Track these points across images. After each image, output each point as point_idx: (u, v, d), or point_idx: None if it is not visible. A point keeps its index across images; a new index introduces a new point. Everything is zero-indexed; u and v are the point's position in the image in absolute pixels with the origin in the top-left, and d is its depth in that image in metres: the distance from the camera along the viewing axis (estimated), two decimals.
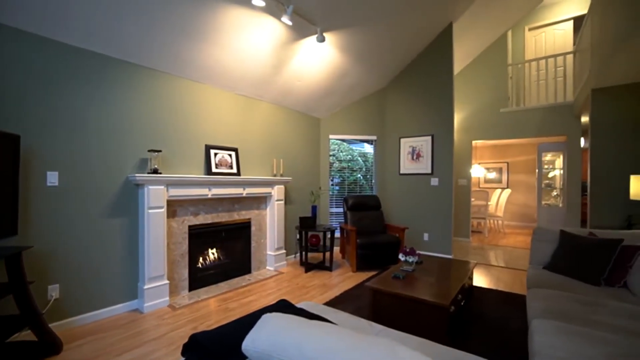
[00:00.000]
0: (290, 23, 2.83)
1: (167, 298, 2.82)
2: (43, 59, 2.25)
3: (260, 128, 4.00)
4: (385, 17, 3.47)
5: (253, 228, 3.82)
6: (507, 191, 7.00)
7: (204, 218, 3.29)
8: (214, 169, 3.33)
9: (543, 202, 6.56)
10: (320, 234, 4.14)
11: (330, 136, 5.04)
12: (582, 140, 4.92)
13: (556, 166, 6.72)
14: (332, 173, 5.13)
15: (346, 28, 3.38)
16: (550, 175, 6.80)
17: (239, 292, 3.18)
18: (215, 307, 2.81)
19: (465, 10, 4.30)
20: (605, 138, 3.63)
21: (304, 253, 4.00)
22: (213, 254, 3.44)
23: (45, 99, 2.26)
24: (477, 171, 8.02)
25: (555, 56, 5.15)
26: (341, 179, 5.19)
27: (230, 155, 3.54)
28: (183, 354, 1.10)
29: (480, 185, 8.42)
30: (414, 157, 4.79)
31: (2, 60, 2.08)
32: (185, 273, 3.09)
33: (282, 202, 4.01)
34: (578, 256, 2.35)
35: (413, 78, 4.80)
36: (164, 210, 2.78)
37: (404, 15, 3.58)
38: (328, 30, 3.29)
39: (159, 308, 2.74)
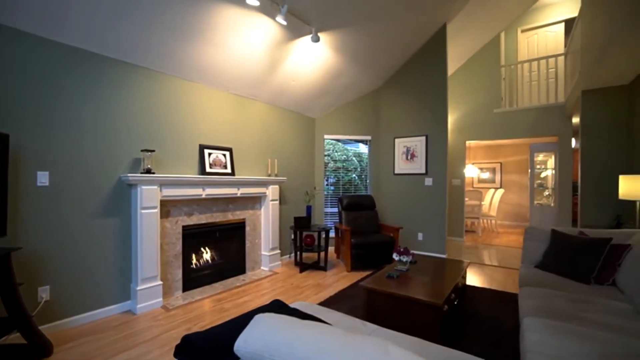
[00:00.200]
0: (284, 23, 2.82)
1: (161, 299, 2.79)
2: (35, 58, 2.22)
3: (255, 128, 3.99)
4: (380, 18, 3.48)
5: (247, 228, 3.80)
6: (501, 191, 7.07)
7: (198, 218, 3.27)
8: (208, 169, 3.31)
9: (535, 202, 6.64)
10: (315, 234, 4.14)
11: (325, 136, 5.04)
12: (573, 140, 5.00)
13: (548, 166, 6.82)
14: (327, 173, 5.14)
15: (341, 28, 3.38)
16: (543, 175, 6.89)
17: (233, 292, 3.17)
18: (210, 307, 2.79)
19: (459, 12, 4.34)
20: (595, 139, 3.69)
21: (298, 253, 4.00)
22: (207, 254, 3.42)
23: (36, 98, 2.23)
24: (471, 171, 8.09)
25: (547, 58, 5.22)
26: (336, 178, 5.20)
27: (224, 155, 3.52)
28: (176, 355, 1.09)
29: (474, 185, 8.50)
30: (409, 157, 4.82)
31: None
32: (179, 274, 3.07)
33: (277, 202, 4.00)
34: (569, 255, 2.39)
35: (407, 78, 4.83)
36: (157, 210, 2.75)
37: (398, 15, 3.59)
38: (322, 30, 3.30)
39: (153, 309, 2.72)
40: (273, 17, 2.84)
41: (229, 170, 3.53)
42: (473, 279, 3.65)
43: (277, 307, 1.35)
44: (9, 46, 2.10)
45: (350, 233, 3.92)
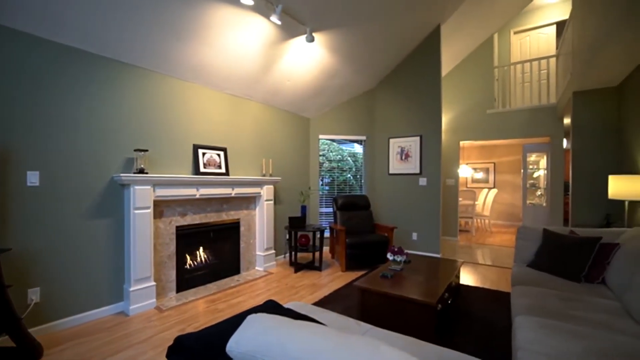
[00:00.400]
0: (279, 22, 2.82)
1: (154, 300, 2.77)
2: (27, 57, 2.19)
3: (250, 128, 3.97)
4: (374, 18, 3.49)
5: (242, 228, 3.79)
6: (494, 191, 7.15)
7: (192, 218, 3.25)
8: (202, 169, 3.29)
9: (528, 202, 6.72)
10: (310, 234, 4.14)
11: (320, 136, 5.04)
12: (565, 141, 5.07)
13: (540, 166, 6.91)
14: (322, 173, 5.14)
15: (335, 28, 3.39)
16: (535, 175, 6.98)
17: (227, 293, 3.15)
18: (204, 308, 2.78)
19: (452, 13, 4.37)
20: (586, 139, 3.74)
21: (293, 253, 3.99)
22: (201, 254, 3.40)
23: (26, 97, 2.20)
24: (465, 171, 8.16)
25: (539, 59, 5.29)
26: (331, 178, 5.21)
27: (218, 155, 3.50)
28: (168, 356, 1.08)
29: (468, 185, 8.57)
30: (403, 157, 4.84)
31: None
32: (172, 274, 3.05)
33: (272, 202, 3.99)
34: (560, 254, 2.42)
35: (402, 79, 4.85)
36: (150, 210, 2.73)
37: (392, 16, 3.61)
38: (317, 31, 3.30)
39: (146, 310, 2.69)
40: (268, 16, 2.83)
41: (223, 170, 3.51)
42: (467, 278, 3.68)
43: (271, 307, 1.35)
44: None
45: (345, 233, 3.93)
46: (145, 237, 2.70)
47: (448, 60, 5.80)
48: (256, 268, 3.95)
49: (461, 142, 6.00)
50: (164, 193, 2.85)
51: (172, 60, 2.90)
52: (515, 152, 7.84)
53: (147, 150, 2.78)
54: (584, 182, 3.75)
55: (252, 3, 2.56)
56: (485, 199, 7.00)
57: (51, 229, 2.31)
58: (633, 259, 1.95)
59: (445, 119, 6.11)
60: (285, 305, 1.65)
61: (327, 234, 4.91)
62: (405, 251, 2.81)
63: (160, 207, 2.96)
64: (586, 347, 1.32)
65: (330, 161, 5.20)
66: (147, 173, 2.73)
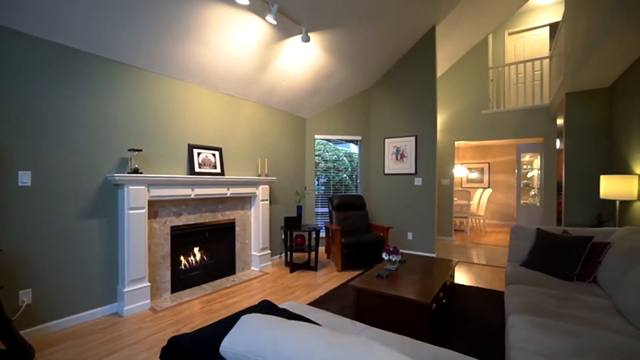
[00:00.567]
0: (274, 22, 2.81)
1: (149, 301, 2.75)
2: (17, 55, 2.16)
3: (245, 127, 3.96)
4: (370, 19, 3.50)
5: (237, 228, 3.78)
6: (489, 191, 7.20)
7: (187, 219, 3.23)
8: (197, 169, 3.27)
9: (522, 202, 6.79)
10: (306, 234, 4.14)
11: (316, 136, 5.04)
12: (558, 141, 5.13)
13: (534, 166, 6.98)
14: (318, 173, 5.14)
15: (331, 28, 3.39)
16: (529, 175, 7.05)
17: (223, 293, 3.14)
18: (199, 309, 2.76)
19: (447, 14, 4.40)
20: (579, 140, 3.79)
21: (289, 253, 3.99)
22: (196, 255, 3.38)
23: (16, 95, 2.17)
24: (460, 171, 8.21)
25: (532, 60, 5.34)
26: (327, 178, 5.21)
27: (213, 154, 3.49)
28: (162, 357, 1.07)
29: (463, 185, 8.63)
30: (398, 157, 4.86)
31: None
32: (167, 275, 3.03)
33: (267, 202, 3.98)
34: (553, 253, 2.45)
35: (397, 79, 4.87)
36: (144, 211, 2.71)
37: (388, 16, 3.62)
38: (313, 31, 3.30)
39: (140, 311, 2.67)
40: (263, 16, 2.83)
41: (218, 170, 3.49)
42: (461, 277, 3.70)
43: (266, 307, 1.35)
44: None
45: (341, 233, 3.94)
46: (140, 238, 2.68)
47: (443, 61, 5.84)
48: (252, 268, 3.94)
49: (456, 142, 6.04)
50: (158, 193, 2.84)
51: (167, 60, 2.88)
52: (510, 152, 7.91)
53: (141, 150, 2.76)
54: (576, 182, 3.79)
55: (247, 2, 2.56)
56: (480, 199, 7.06)
57: (43, 229, 2.28)
58: (623, 258, 1.98)
59: (440, 119, 6.14)
60: (281, 306, 1.65)
61: (322, 233, 4.92)
62: (401, 251, 2.82)
63: (155, 207, 2.94)
64: (577, 345, 1.34)
65: (326, 161, 5.20)
66: (141, 173, 2.71)
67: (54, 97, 2.33)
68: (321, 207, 5.11)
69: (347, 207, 4.52)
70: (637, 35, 2.39)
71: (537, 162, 6.87)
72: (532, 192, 6.92)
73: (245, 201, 3.87)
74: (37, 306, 2.25)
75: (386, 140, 5.00)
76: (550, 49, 5.71)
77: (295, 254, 4.62)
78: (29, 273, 2.21)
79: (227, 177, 3.47)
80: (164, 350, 1.07)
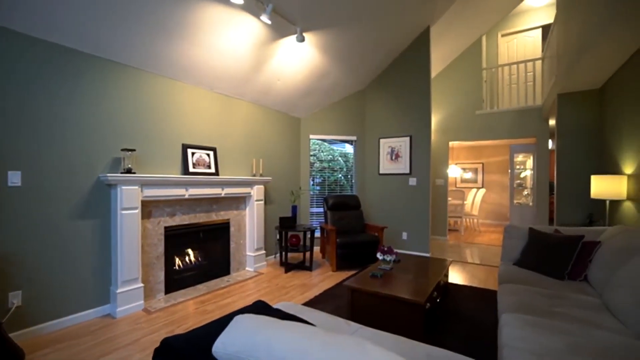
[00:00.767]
0: (269, 22, 2.81)
1: (142, 302, 2.73)
2: (12, 54, 2.12)
3: (240, 127, 3.95)
4: (365, 19, 3.51)
5: (232, 229, 3.76)
6: (482, 191, 7.27)
7: (181, 219, 3.21)
8: (191, 169, 3.25)
9: (515, 201, 6.87)
10: (301, 234, 4.14)
11: (311, 136, 5.04)
12: (550, 142, 5.19)
13: (527, 167, 7.06)
14: (314, 173, 5.14)
15: (326, 29, 3.39)
16: (522, 175, 7.13)
17: (217, 293, 3.13)
18: (193, 309, 2.74)
19: (442, 15, 4.43)
20: (570, 140, 3.84)
21: (284, 253, 3.98)
22: (191, 255, 3.36)
23: (10, 95, 2.13)
24: (454, 171, 8.27)
25: (525, 62, 5.40)
26: (322, 178, 5.21)
27: (208, 154, 3.47)
28: (154, 359, 1.07)
29: (457, 185, 8.70)
30: (393, 157, 4.88)
31: None
32: (161, 275, 3.00)
33: (262, 202, 3.97)
34: (545, 252, 2.48)
35: (392, 80, 4.89)
36: (138, 211, 2.69)
37: (382, 17, 3.64)
38: (308, 31, 3.30)
39: (133, 312, 2.65)
40: (258, 16, 2.82)
41: (213, 170, 3.48)
42: (455, 276, 3.73)
43: (260, 307, 1.35)
44: None
45: (336, 233, 3.94)
46: (133, 238, 2.66)
47: (437, 62, 5.87)
48: (246, 268, 3.93)
49: (450, 143, 6.08)
50: (152, 193, 2.81)
51: (162, 59, 2.85)
52: (503, 153, 7.99)
53: (134, 150, 2.73)
54: (568, 182, 3.85)
55: (242, 2, 2.55)
56: (474, 199, 7.12)
57: (34, 230, 2.25)
58: (612, 257, 2.01)
59: (434, 120, 6.18)
60: (275, 306, 1.65)
61: (317, 233, 4.92)
62: (395, 250, 2.84)
63: (149, 208, 2.91)
64: (568, 342, 1.36)
65: (321, 161, 5.20)
66: (134, 173, 2.68)
67: (48, 97, 2.30)
68: (316, 207, 5.11)
69: (342, 207, 4.52)
70: (625, 39, 2.45)
71: (529, 163, 6.96)
72: (525, 192, 7.01)
73: (240, 201, 3.86)
74: (28, 308, 2.21)
75: (381, 140, 5.01)
76: (542, 51, 5.78)
77: (290, 254, 4.61)
78: (18, 275, 2.18)
79: (222, 177, 3.45)
80: (157, 352, 1.06)
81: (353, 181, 5.29)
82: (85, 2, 2.14)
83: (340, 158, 5.32)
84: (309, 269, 3.95)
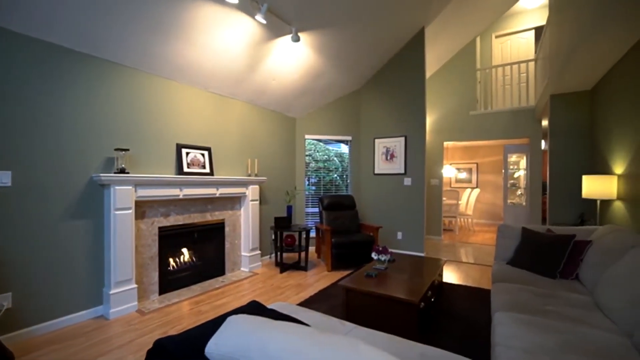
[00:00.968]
0: (264, 22, 2.80)
1: (136, 303, 2.70)
2: (8, 54, 2.09)
3: (235, 127, 3.93)
4: (360, 19, 3.52)
5: (227, 229, 3.75)
6: (477, 191, 7.33)
7: (175, 219, 3.19)
8: (185, 169, 3.23)
9: (509, 201, 6.93)
10: (296, 234, 4.13)
11: (306, 136, 5.04)
12: (543, 142, 5.25)
13: (521, 167, 7.13)
14: (309, 173, 5.14)
15: (321, 29, 3.40)
16: (516, 175, 7.21)
17: (212, 294, 3.11)
18: (187, 310, 2.73)
19: (436, 16, 4.46)
20: (562, 140, 3.89)
21: (279, 253, 3.98)
22: (185, 256, 3.34)
23: (4, 94, 2.10)
24: (449, 171, 8.34)
25: (519, 63, 5.46)
26: (318, 178, 5.21)
27: (202, 154, 3.45)
28: None
29: (452, 185, 8.76)
30: (388, 157, 4.90)
31: None
32: (155, 276, 2.98)
33: (257, 202, 3.96)
34: (537, 251, 2.51)
35: (387, 80, 4.91)
36: (131, 211, 2.66)
37: (377, 17, 3.65)
38: (303, 30, 3.29)
39: (127, 314, 2.62)
40: (253, 15, 2.81)
41: (207, 170, 3.46)
42: (450, 276, 3.76)
43: (254, 308, 1.34)
44: None
45: (331, 233, 3.95)
46: (126, 239, 2.63)
47: (432, 62, 5.91)
48: (241, 269, 3.92)
49: (445, 143, 6.12)
50: (146, 193, 2.79)
51: (156, 59, 2.83)
52: (497, 153, 8.07)
53: (128, 150, 2.71)
54: (560, 182, 3.89)
55: (237, 1, 2.54)
56: (468, 199, 7.17)
57: (25, 231, 2.22)
58: (602, 256, 2.04)
59: (429, 120, 6.22)
60: (270, 306, 1.65)
61: (313, 233, 4.92)
62: (390, 250, 2.85)
63: (142, 208, 2.89)
64: (559, 340, 1.37)
65: (316, 161, 5.20)
66: (128, 173, 2.66)
67: (42, 96, 2.27)
68: (311, 207, 5.11)
69: (338, 207, 4.53)
70: (615, 42, 2.49)
71: (523, 163, 7.03)
72: (519, 192, 7.08)
73: (234, 201, 3.84)
74: (19, 310, 2.18)
75: (376, 140, 5.03)
76: (535, 52, 5.84)
77: (285, 254, 4.60)
78: (8, 276, 2.15)
79: (217, 177, 3.44)
80: (150, 353, 1.05)
81: (348, 181, 5.29)
82: (81, 2, 2.11)
83: (335, 158, 5.32)
84: (304, 269, 3.95)
